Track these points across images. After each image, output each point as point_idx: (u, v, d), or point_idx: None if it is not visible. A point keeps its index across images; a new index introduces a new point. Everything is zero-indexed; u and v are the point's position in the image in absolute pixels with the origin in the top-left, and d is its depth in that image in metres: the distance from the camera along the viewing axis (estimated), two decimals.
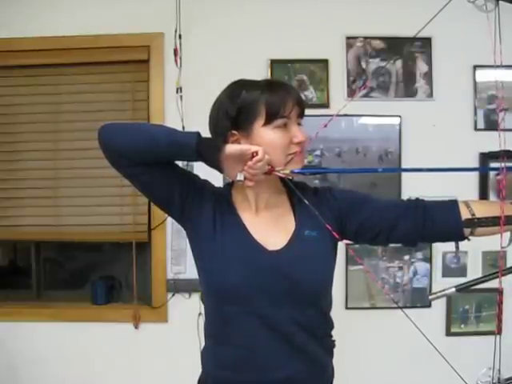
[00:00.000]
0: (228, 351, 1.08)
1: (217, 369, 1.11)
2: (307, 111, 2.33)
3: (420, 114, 2.24)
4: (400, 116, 2.23)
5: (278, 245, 1.08)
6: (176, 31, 2.16)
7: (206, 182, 1.17)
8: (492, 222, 0.98)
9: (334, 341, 1.18)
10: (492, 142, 2.25)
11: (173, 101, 2.20)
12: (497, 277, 0.95)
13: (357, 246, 2.18)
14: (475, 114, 2.23)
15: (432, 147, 2.22)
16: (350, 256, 2.21)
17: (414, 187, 2.22)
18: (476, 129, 2.24)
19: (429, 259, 2.23)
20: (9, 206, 2.37)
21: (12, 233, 2.38)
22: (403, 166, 2.23)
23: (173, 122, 2.21)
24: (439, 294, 0.99)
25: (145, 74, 2.28)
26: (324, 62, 2.25)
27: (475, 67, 2.22)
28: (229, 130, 1.07)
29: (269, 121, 1.04)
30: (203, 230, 1.10)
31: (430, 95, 2.23)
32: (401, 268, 2.23)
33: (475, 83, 2.22)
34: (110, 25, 2.24)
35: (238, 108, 1.06)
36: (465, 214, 1.03)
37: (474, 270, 2.20)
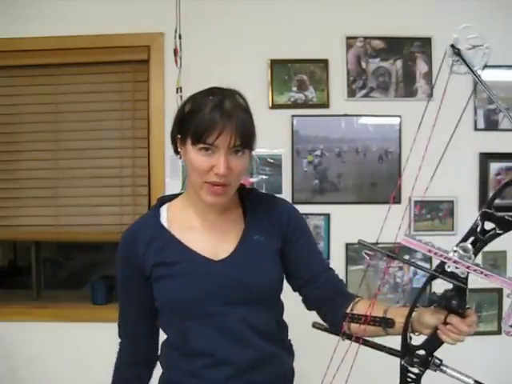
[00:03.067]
0: (192, 362, 1.09)
1: (182, 377, 1.11)
2: (308, 111, 2.35)
3: (420, 114, 2.23)
4: (400, 116, 2.23)
5: (227, 251, 1.09)
6: (176, 31, 2.16)
7: (122, 251, 1.14)
8: (359, 318, 0.97)
9: (289, 340, 1.21)
10: (492, 141, 2.26)
11: (173, 101, 2.19)
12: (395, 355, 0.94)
13: (357, 245, 2.21)
14: (475, 113, 2.23)
15: (432, 147, 2.22)
16: (350, 256, 2.21)
17: (414, 187, 2.22)
18: (476, 129, 2.24)
19: (429, 259, 2.23)
20: (9, 205, 2.37)
21: (12, 233, 2.39)
22: (403, 166, 2.23)
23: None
24: (321, 327, 1.01)
25: (145, 74, 2.28)
26: (324, 62, 2.25)
27: None
28: (175, 133, 1.10)
29: (193, 142, 1.02)
30: (152, 268, 1.09)
31: (430, 95, 2.23)
32: (401, 268, 2.23)
33: (475, 83, 2.22)
34: (110, 25, 2.24)
35: (181, 115, 1.08)
36: (348, 309, 1.08)
37: None
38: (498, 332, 2.25)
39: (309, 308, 1.19)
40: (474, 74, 0.81)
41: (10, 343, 2.32)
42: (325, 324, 1.01)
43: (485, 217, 0.83)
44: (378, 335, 1.02)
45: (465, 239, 0.83)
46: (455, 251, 0.81)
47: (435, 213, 2.22)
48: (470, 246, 0.81)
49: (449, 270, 0.83)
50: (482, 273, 0.80)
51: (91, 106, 2.32)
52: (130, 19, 2.25)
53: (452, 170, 2.23)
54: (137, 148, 2.30)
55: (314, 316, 1.19)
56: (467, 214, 2.15)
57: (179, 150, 1.10)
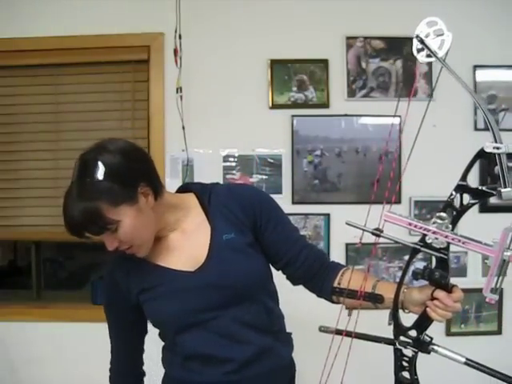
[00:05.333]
0: (192, 362, 1.12)
1: (183, 372, 1.14)
2: (308, 111, 2.35)
3: (420, 114, 2.23)
4: (400, 116, 2.22)
5: (201, 258, 1.09)
6: (176, 31, 2.16)
7: (106, 284, 1.21)
8: (348, 293, 0.99)
9: (289, 333, 1.22)
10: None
11: (173, 101, 2.20)
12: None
13: (357, 245, 2.20)
14: (475, 114, 2.23)
15: (432, 147, 2.22)
16: (350, 256, 2.21)
17: (414, 187, 2.23)
18: (476, 129, 2.24)
19: (429, 259, 2.23)
20: (9, 205, 2.37)
21: (12, 233, 2.39)
22: (403, 166, 2.23)
23: (173, 122, 2.21)
24: (328, 330, 1.01)
25: (145, 74, 2.28)
26: (324, 62, 2.25)
27: (475, 67, 2.22)
28: None
29: None
30: (138, 296, 1.13)
31: (430, 95, 2.23)
32: (401, 268, 2.23)
33: (475, 83, 2.22)
34: (110, 25, 2.24)
35: None
36: (335, 282, 1.09)
37: (474, 270, 2.20)
38: (498, 332, 2.25)
39: (294, 284, 1.19)
40: (438, 59, 0.87)
41: (10, 343, 2.32)
42: (330, 327, 1.00)
43: (460, 189, 0.88)
44: (367, 308, 1.02)
45: (442, 211, 0.87)
46: (433, 223, 0.85)
47: (435, 213, 2.22)
48: (444, 214, 0.86)
49: (429, 241, 0.86)
50: (460, 241, 0.83)
51: (91, 105, 2.31)
52: (130, 19, 2.25)
53: (452, 170, 2.23)
54: None
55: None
56: (467, 214, 2.15)
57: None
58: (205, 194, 1.15)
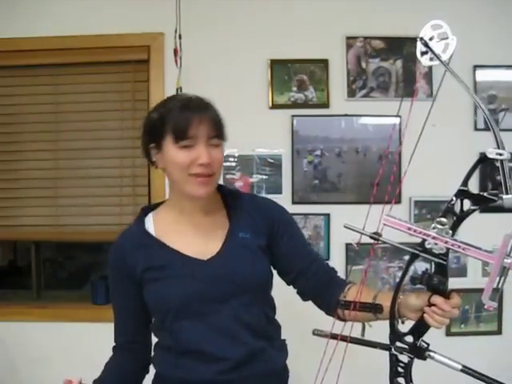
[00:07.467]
0: (184, 359, 1.11)
1: (173, 371, 1.13)
2: (308, 111, 2.35)
3: (420, 113, 2.23)
4: (400, 116, 2.22)
5: (214, 250, 1.12)
6: (176, 31, 2.16)
7: (111, 262, 1.18)
8: (348, 305, 1.00)
9: (283, 340, 1.23)
10: (492, 141, 2.26)
11: None
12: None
13: (356, 248, 2.20)
14: (475, 114, 2.23)
15: (432, 147, 2.22)
16: (350, 256, 2.21)
17: (414, 187, 2.23)
18: (476, 129, 2.24)
19: (429, 262, 2.23)
20: (9, 205, 2.37)
21: (12, 233, 2.39)
22: (403, 166, 2.23)
23: None
24: (321, 334, 1.00)
25: (145, 74, 2.28)
26: (324, 62, 2.25)
27: (475, 67, 2.22)
28: (148, 143, 1.13)
29: (175, 140, 1.06)
30: (142, 274, 1.12)
31: (430, 95, 2.23)
32: (401, 268, 2.23)
33: (475, 83, 2.22)
34: (111, 25, 2.24)
35: (152, 122, 1.11)
36: (341, 296, 1.11)
37: (474, 270, 2.20)
38: (498, 332, 2.25)
39: (304, 299, 1.21)
40: (442, 62, 0.88)
41: (10, 343, 2.32)
42: (324, 330, 1.01)
43: (461, 194, 0.87)
44: (370, 320, 1.04)
45: (442, 216, 0.86)
46: (433, 228, 0.84)
47: (435, 213, 2.22)
48: (445, 220, 0.85)
49: (428, 246, 0.86)
50: (459, 247, 0.83)
51: (91, 106, 2.32)
52: (130, 19, 2.25)
53: (452, 170, 2.23)
54: (137, 148, 2.27)
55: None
56: None
57: (154, 159, 1.14)
58: (229, 196, 1.21)
